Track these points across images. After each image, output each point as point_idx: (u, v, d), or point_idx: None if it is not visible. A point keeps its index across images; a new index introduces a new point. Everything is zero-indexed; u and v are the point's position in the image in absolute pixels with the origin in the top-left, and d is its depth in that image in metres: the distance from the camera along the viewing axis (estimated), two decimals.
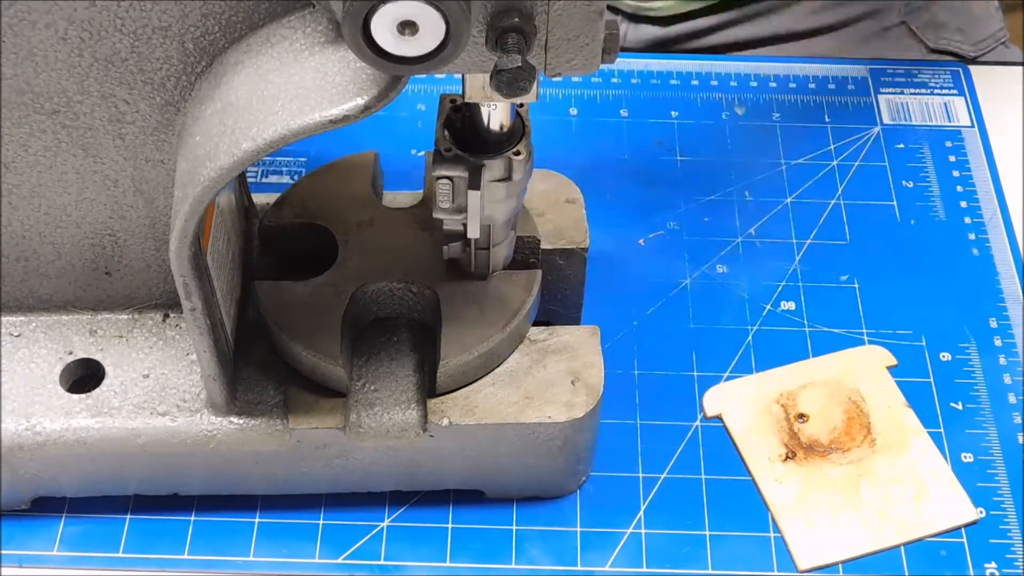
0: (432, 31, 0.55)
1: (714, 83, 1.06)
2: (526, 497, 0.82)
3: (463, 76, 0.66)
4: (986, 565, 0.79)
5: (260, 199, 0.86)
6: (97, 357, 0.78)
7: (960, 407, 0.86)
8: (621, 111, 1.04)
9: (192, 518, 0.81)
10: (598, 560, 0.80)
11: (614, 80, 1.06)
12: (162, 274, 0.77)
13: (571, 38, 0.59)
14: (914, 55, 1.17)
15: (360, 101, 0.59)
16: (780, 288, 0.93)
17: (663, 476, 0.83)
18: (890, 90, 1.06)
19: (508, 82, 0.56)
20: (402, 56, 0.56)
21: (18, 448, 0.75)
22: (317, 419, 0.75)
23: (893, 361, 0.88)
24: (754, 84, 1.06)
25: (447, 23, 0.54)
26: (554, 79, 1.02)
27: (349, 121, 0.59)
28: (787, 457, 0.83)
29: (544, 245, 0.81)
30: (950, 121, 1.04)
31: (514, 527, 0.81)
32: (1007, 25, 1.18)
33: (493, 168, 0.70)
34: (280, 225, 0.81)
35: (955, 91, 1.06)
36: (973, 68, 1.08)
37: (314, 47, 0.61)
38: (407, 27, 0.55)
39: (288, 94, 0.60)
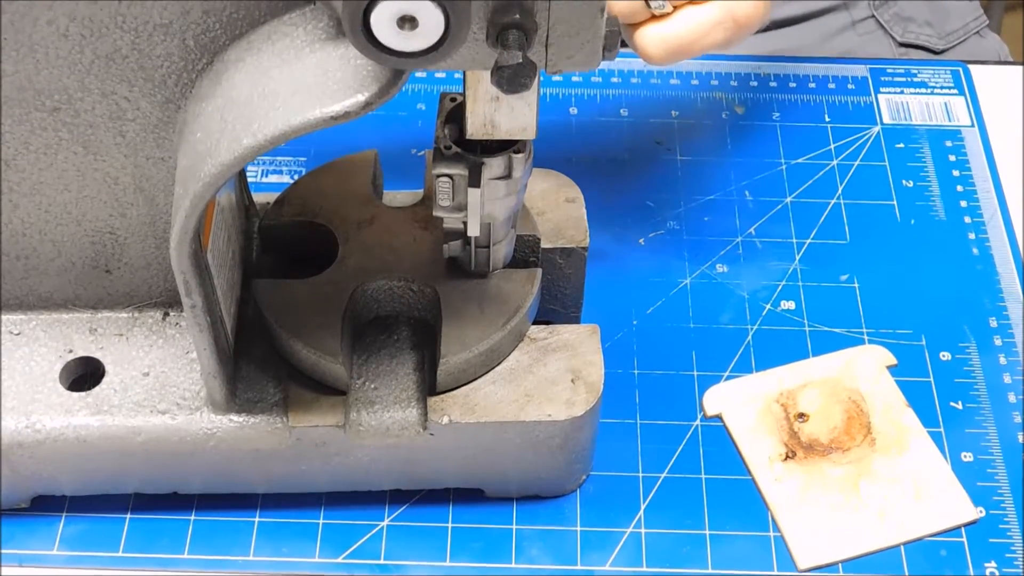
0: (432, 26, 0.55)
1: (714, 83, 1.06)
2: (526, 496, 0.82)
3: (464, 90, 0.66)
4: (986, 565, 0.79)
5: (260, 198, 0.86)
6: (97, 355, 0.78)
7: (960, 407, 0.86)
8: (621, 110, 1.04)
9: (192, 517, 0.81)
10: (598, 560, 0.80)
11: (614, 79, 1.06)
12: (162, 272, 0.77)
13: (572, 35, 0.59)
14: (883, 48, 1.17)
15: (361, 97, 0.59)
16: (780, 288, 0.93)
17: (663, 476, 0.83)
18: (890, 90, 1.06)
19: (509, 78, 0.57)
20: (402, 51, 0.56)
21: (18, 446, 0.75)
22: (317, 417, 0.75)
23: (893, 361, 0.88)
24: (754, 84, 1.06)
25: (446, 18, 0.54)
26: (555, 76, 1.03)
27: (350, 117, 0.59)
28: (787, 457, 0.83)
29: (544, 244, 0.82)
30: (950, 121, 1.04)
31: (514, 526, 0.81)
32: (1006, 25, 1.18)
33: (493, 166, 0.70)
34: (280, 224, 0.81)
35: (955, 91, 1.06)
36: (973, 68, 1.08)
37: (315, 44, 0.61)
38: (407, 21, 0.55)
39: (289, 90, 0.60)
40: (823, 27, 1.19)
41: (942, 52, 1.18)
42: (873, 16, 1.19)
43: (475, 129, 0.68)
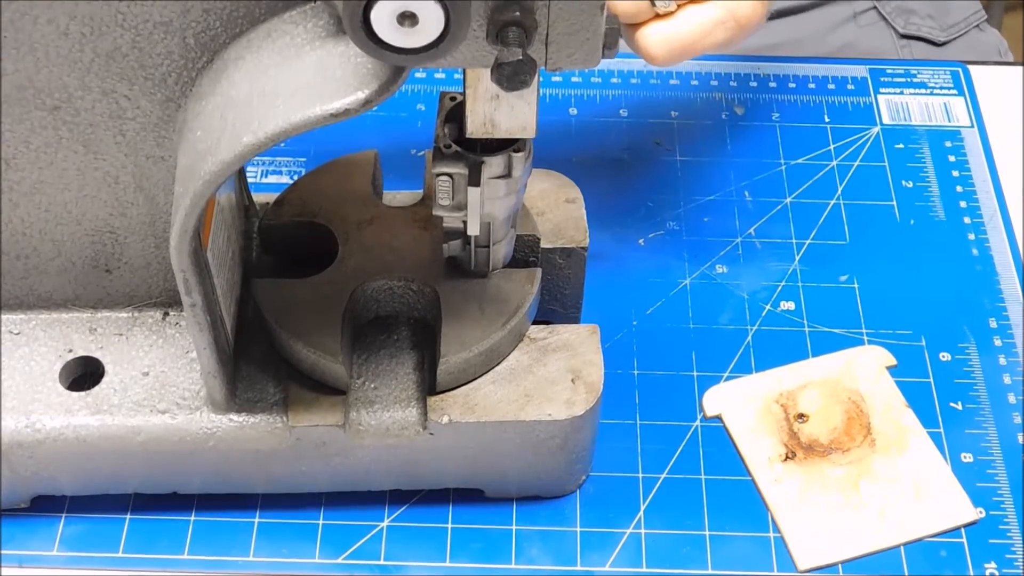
0: (432, 22, 0.55)
1: (714, 83, 1.06)
2: (526, 497, 0.82)
3: (464, 88, 0.66)
4: (986, 565, 0.79)
5: (260, 198, 0.86)
6: (97, 355, 0.78)
7: (960, 407, 0.86)
8: (621, 111, 1.04)
9: (192, 518, 0.81)
10: (598, 560, 0.80)
11: (614, 80, 1.06)
12: (162, 272, 0.77)
13: (572, 32, 0.59)
14: (884, 40, 1.17)
15: (361, 95, 0.59)
16: (780, 288, 0.93)
17: (663, 476, 0.83)
18: (890, 90, 1.06)
19: (509, 76, 0.57)
20: (402, 47, 0.56)
21: (18, 446, 0.75)
22: (317, 417, 0.75)
23: (893, 361, 0.88)
24: (754, 84, 1.06)
25: (446, 15, 0.54)
26: (555, 74, 1.03)
27: (350, 115, 0.59)
28: (787, 457, 0.83)
29: (544, 244, 0.82)
30: (950, 121, 1.04)
31: (514, 527, 0.81)
32: (1007, 25, 1.18)
33: (493, 165, 0.70)
34: (280, 224, 0.81)
35: (955, 91, 1.06)
36: (973, 68, 1.08)
37: (315, 42, 0.61)
38: (407, 18, 0.55)
39: (289, 88, 0.60)
40: (825, 18, 1.19)
41: (943, 44, 1.18)
42: (875, 8, 1.19)
43: (475, 128, 0.68)
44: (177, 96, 0.67)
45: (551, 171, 0.86)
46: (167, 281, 0.77)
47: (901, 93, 1.06)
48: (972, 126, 1.03)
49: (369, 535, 0.80)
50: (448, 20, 0.54)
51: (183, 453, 0.76)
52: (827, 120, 1.03)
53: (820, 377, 0.87)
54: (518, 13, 0.56)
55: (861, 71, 1.07)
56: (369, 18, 0.54)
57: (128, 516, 0.81)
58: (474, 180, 0.70)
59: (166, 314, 0.79)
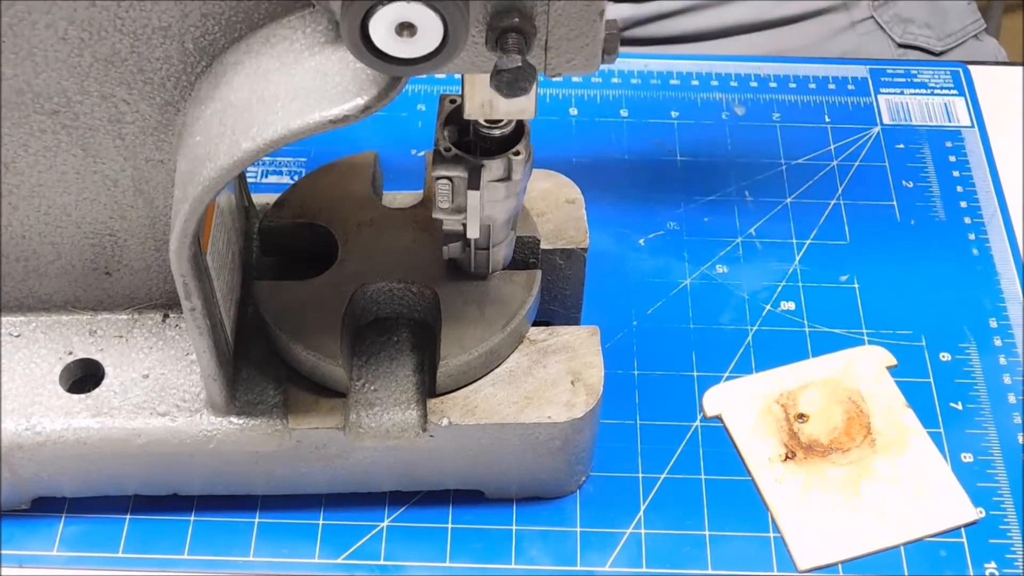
0: (430, 32, 0.55)
1: (714, 83, 1.06)
2: (526, 497, 0.82)
3: (462, 83, 0.66)
4: (986, 565, 0.79)
5: (260, 199, 0.86)
6: (97, 357, 0.78)
7: (960, 407, 0.86)
8: (621, 111, 1.04)
9: (192, 518, 0.81)
10: (598, 560, 0.80)
11: (614, 80, 1.06)
12: (162, 274, 0.77)
13: (571, 38, 0.59)
14: (882, 49, 1.17)
15: (360, 101, 0.59)
16: (780, 288, 0.93)
17: (663, 476, 0.83)
18: (890, 90, 1.06)
19: (508, 82, 0.56)
20: (401, 58, 0.56)
21: (18, 448, 0.75)
22: (317, 419, 0.76)
23: (893, 361, 0.88)
24: (754, 84, 1.06)
25: (445, 24, 0.54)
26: (554, 79, 1.02)
27: (349, 121, 0.59)
28: (787, 457, 0.83)
29: (544, 245, 0.81)
30: (950, 121, 1.04)
31: (514, 527, 0.81)
32: (1005, 26, 1.18)
33: (493, 168, 0.70)
34: (280, 225, 0.81)
35: (955, 91, 1.06)
36: (973, 68, 1.08)
37: (314, 47, 0.61)
38: (405, 28, 0.55)
39: (288, 94, 0.60)
40: (822, 27, 1.19)
41: (941, 54, 1.18)
42: (872, 17, 1.19)
43: (473, 110, 0.67)
44: (176, 100, 0.67)
45: (551, 171, 0.86)
46: (167, 283, 0.77)
47: (901, 93, 1.06)
48: (972, 126, 1.03)
49: (369, 535, 0.80)
50: (447, 29, 0.54)
51: (183, 455, 0.76)
52: (827, 120, 1.03)
53: (820, 377, 0.87)
54: (517, 20, 0.56)
55: (861, 71, 1.07)
56: (367, 30, 0.54)
57: (128, 516, 0.81)
58: (474, 184, 0.70)
59: (166, 316, 0.79)
